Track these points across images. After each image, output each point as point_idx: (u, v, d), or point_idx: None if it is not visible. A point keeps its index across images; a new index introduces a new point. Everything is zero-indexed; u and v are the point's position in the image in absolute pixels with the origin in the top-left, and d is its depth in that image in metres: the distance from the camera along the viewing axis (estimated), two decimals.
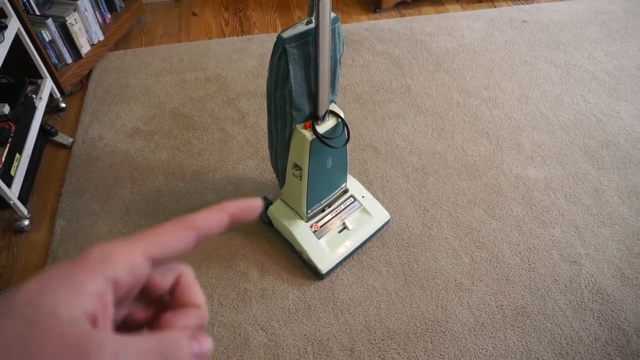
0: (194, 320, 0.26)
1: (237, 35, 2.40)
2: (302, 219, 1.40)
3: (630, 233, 1.51)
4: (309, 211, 1.37)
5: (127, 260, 0.23)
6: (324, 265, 1.36)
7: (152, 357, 0.22)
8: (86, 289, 0.21)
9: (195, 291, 0.28)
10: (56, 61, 1.96)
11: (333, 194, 1.44)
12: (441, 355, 1.25)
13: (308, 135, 1.16)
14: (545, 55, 2.21)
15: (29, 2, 1.87)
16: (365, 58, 2.20)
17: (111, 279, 0.22)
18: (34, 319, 0.19)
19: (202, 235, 0.26)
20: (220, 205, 0.27)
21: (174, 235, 0.25)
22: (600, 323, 1.31)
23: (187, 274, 0.28)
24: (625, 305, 1.34)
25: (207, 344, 0.25)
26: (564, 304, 1.35)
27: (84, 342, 0.20)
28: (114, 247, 0.23)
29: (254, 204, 0.28)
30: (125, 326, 0.27)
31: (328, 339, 1.28)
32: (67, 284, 0.21)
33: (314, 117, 1.17)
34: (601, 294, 1.37)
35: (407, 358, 1.25)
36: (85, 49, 2.06)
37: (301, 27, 1.02)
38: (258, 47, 2.28)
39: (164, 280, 0.27)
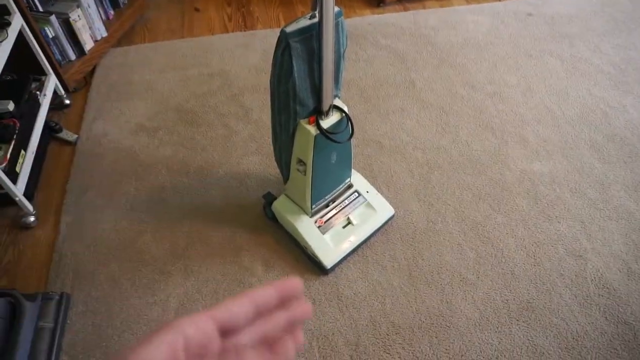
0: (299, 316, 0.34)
1: (240, 31, 2.39)
2: (306, 214, 1.40)
3: (637, 227, 1.50)
4: (313, 206, 1.37)
5: (193, 321, 0.30)
6: (328, 261, 1.36)
7: None
8: (159, 340, 0.27)
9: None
10: (60, 58, 1.96)
11: (337, 189, 1.44)
12: (446, 349, 1.25)
13: (312, 130, 1.15)
14: (550, 49, 2.19)
15: None
16: (369, 52, 2.18)
17: (180, 332, 0.28)
18: None
19: (260, 307, 0.33)
20: (272, 282, 0.34)
21: (236, 306, 0.32)
22: (606, 318, 1.30)
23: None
24: (632, 299, 1.33)
25: (301, 338, 0.32)
26: (569, 298, 1.34)
27: None
28: (185, 317, 0.30)
29: (291, 284, 0.34)
30: None
31: (333, 333, 1.28)
32: (148, 343, 0.27)
33: (318, 112, 1.16)
34: (607, 288, 1.36)
35: (412, 353, 1.25)
36: (88, 45, 2.06)
37: (304, 22, 1.01)
38: (261, 42, 2.28)
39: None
